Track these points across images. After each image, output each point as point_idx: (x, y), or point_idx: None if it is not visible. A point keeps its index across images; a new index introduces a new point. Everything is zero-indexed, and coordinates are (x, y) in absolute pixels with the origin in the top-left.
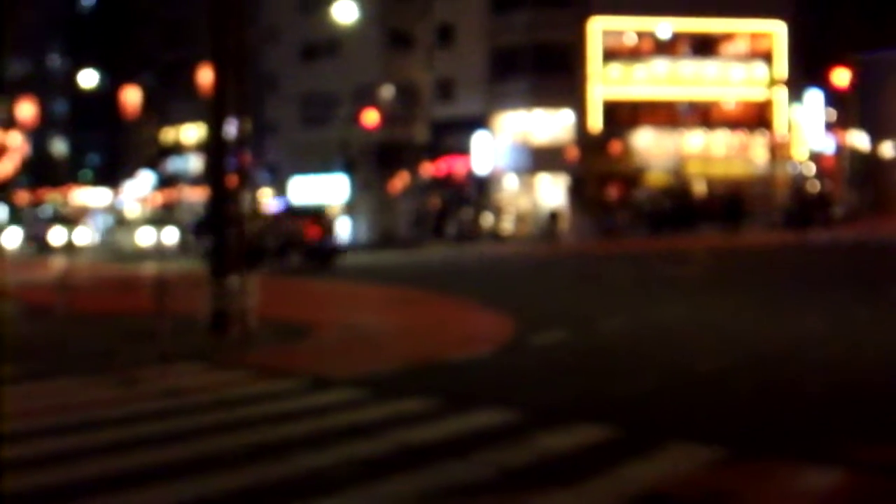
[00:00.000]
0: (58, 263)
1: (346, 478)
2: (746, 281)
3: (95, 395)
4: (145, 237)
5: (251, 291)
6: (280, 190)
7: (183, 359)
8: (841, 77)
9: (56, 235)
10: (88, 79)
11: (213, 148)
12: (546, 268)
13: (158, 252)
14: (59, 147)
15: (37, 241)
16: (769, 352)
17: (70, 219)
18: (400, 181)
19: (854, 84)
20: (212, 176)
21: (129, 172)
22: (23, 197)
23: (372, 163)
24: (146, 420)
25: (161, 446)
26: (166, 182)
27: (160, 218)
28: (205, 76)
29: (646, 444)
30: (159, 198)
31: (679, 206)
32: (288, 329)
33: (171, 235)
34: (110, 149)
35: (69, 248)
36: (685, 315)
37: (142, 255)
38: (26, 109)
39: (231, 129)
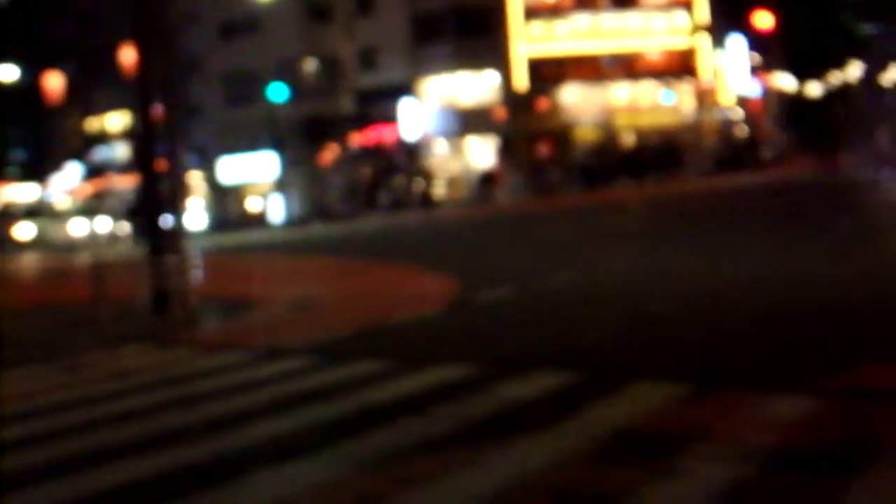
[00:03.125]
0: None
1: (309, 442)
2: (685, 227)
3: (40, 383)
4: (77, 228)
5: (189, 269)
6: (209, 171)
7: (126, 341)
8: (763, 19)
9: (23, 231)
10: (7, 72)
11: (142, 129)
12: (484, 229)
13: (92, 241)
14: None
15: None
16: (719, 291)
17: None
18: (329, 154)
19: (778, 25)
20: (142, 158)
21: (55, 165)
22: None
23: (300, 138)
24: (96, 403)
25: (114, 426)
26: (94, 172)
27: (90, 208)
28: (127, 56)
29: (609, 386)
30: (89, 188)
31: (610, 160)
32: (230, 305)
33: (103, 224)
34: (35, 143)
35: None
36: (630, 265)
37: (74, 246)
38: None
39: (157, 110)
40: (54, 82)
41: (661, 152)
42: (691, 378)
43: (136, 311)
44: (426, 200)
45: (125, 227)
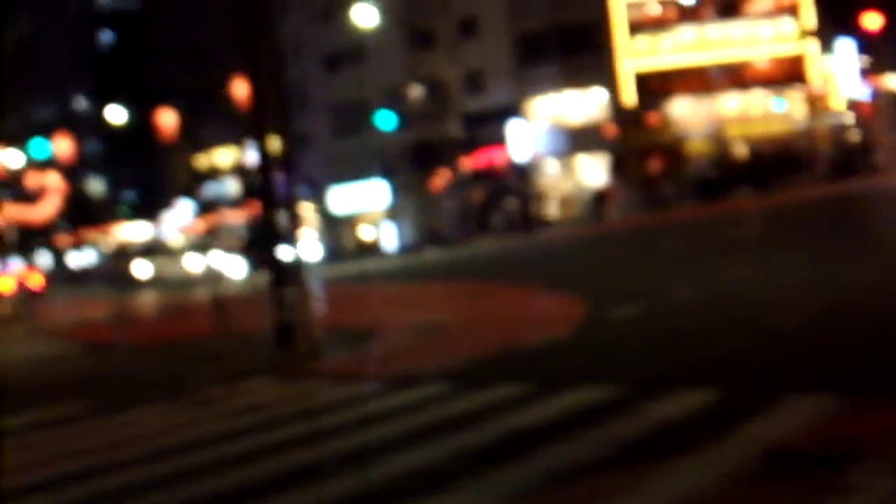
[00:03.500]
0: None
1: (456, 471)
2: (804, 236)
3: (172, 420)
4: (193, 264)
5: (312, 300)
6: (320, 202)
7: (251, 375)
8: (871, 20)
9: (140, 269)
10: (117, 115)
11: (259, 161)
12: (601, 246)
13: (208, 276)
14: (95, 186)
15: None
16: (848, 300)
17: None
18: (440, 179)
19: (887, 25)
20: (260, 190)
21: (166, 203)
22: (64, 240)
23: (409, 164)
24: (231, 439)
25: (254, 462)
26: (206, 208)
27: (205, 243)
28: (239, 89)
29: (757, 401)
30: (201, 224)
31: (727, 170)
32: (353, 334)
33: (218, 259)
34: (145, 182)
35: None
36: (753, 275)
37: (191, 282)
38: (62, 146)
39: (273, 143)
40: (167, 119)
41: (778, 160)
42: (840, 390)
43: (260, 345)
44: (540, 221)
45: (241, 261)
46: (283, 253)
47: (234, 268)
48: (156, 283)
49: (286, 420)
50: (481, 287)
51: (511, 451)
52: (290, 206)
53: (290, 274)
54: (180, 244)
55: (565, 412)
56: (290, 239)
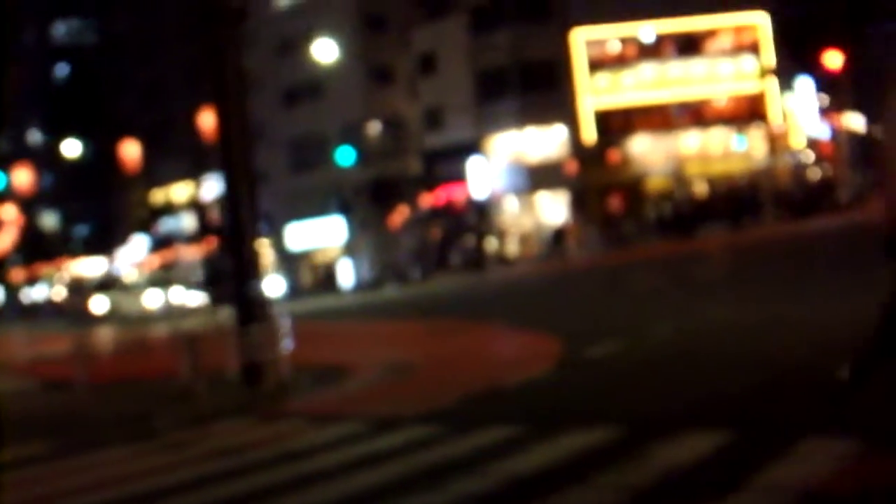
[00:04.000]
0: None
1: None
2: (770, 273)
3: (144, 463)
4: (151, 300)
5: (279, 337)
6: (277, 238)
7: (221, 416)
8: (832, 59)
9: (98, 304)
10: (72, 148)
11: (227, 194)
12: (566, 283)
13: (166, 312)
14: (48, 220)
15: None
16: (833, 338)
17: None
18: (399, 216)
19: (847, 65)
20: (228, 222)
21: (121, 238)
22: (17, 274)
23: (367, 201)
24: (206, 485)
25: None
26: (161, 243)
27: (163, 279)
28: (205, 121)
29: (772, 444)
30: (156, 260)
31: (684, 209)
32: (323, 372)
33: (177, 295)
34: (99, 216)
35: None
36: (728, 313)
37: (149, 317)
38: (22, 176)
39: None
40: (131, 150)
41: (738, 198)
42: (860, 432)
43: (227, 383)
44: (500, 258)
45: (201, 297)
46: (250, 288)
47: (195, 303)
48: (114, 318)
49: (264, 465)
50: (447, 325)
51: (518, 498)
52: (252, 240)
53: (256, 310)
54: (138, 279)
55: (567, 456)
56: (254, 274)
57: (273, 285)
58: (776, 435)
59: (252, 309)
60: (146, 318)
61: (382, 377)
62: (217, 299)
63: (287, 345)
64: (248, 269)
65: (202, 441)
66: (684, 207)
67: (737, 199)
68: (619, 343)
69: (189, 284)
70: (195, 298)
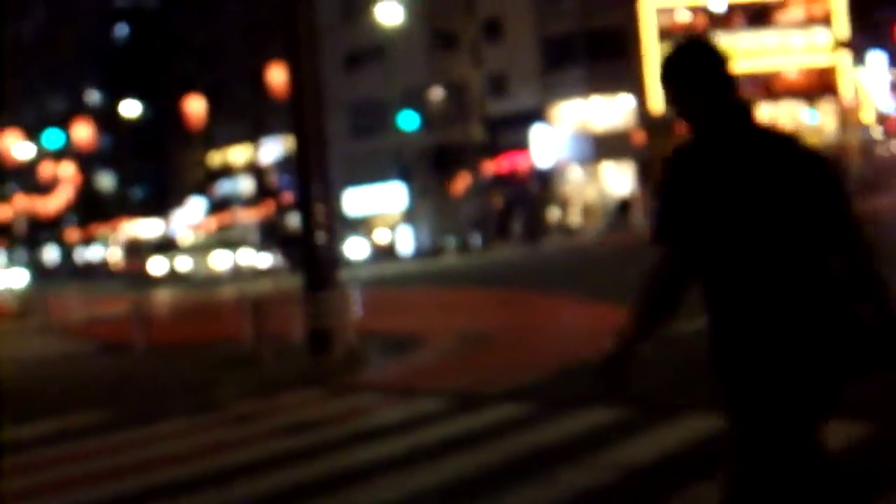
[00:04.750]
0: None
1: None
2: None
3: (209, 438)
4: (220, 261)
5: (349, 304)
6: (335, 203)
7: (288, 386)
8: None
9: (156, 265)
10: (131, 109)
11: (299, 154)
12: (633, 255)
13: (236, 274)
14: (105, 181)
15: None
16: None
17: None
18: (461, 183)
19: None
20: (299, 185)
21: (177, 200)
22: (73, 234)
23: (428, 167)
24: (284, 464)
25: (311, 498)
26: (218, 206)
27: (231, 240)
28: (276, 76)
29: None
30: (213, 223)
31: None
32: (393, 342)
33: (246, 256)
34: (157, 178)
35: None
36: None
37: (216, 280)
38: (82, 132)
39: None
40: (196, 107)
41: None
42: None
43: (292, 351)
44: (562, 229)
45: (271, 259)
46: (320, 252)
47: (264, 265)
48: (178, 280)
49: (341, 444)
50: (514, 295)
51: (640, 492)
52: (323, 204)
53: (325, 275)
54: (201, 240)
55: (684, 442)
56: (325, 239)
57: (351, 249)
58: None
59: (321, 274)
60: (213, 280)
61: (456, 348)
62: (294, 263)
63: (356, 312)
64: (318, 233)
65: (270, 414)
66: None
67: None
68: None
69: (258, 246)
70: (265, 260)
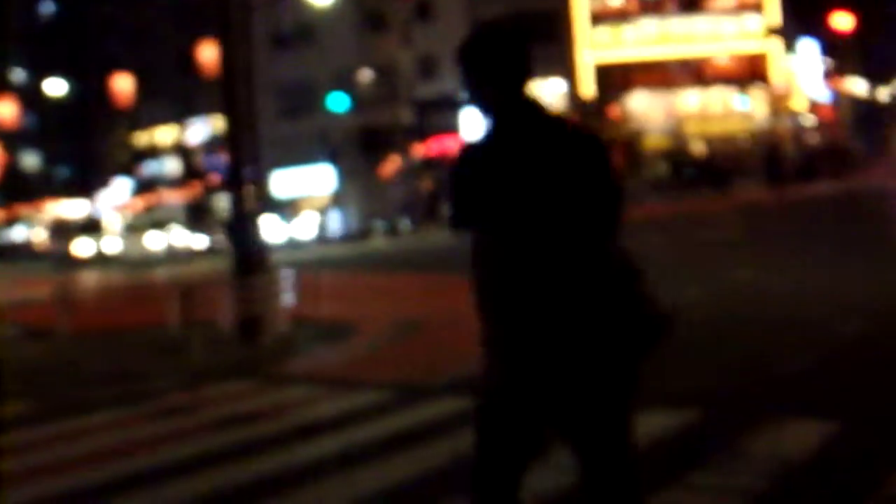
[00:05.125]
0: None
1: None
2: (786, 236)
3: (138, 432)
4: (153, 242)
5: (280, 290)
6: (262, 185)
7: (219, 375)
8: (841, 21)
9: (82, 247)
10: (56, 87)
11: (230, 133)
12: None
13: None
14: (30, 160)
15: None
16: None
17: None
18: (390, 166)
19: (857, 27)
20: (229, 165)
21: (103, 181)
22: None
23: (357, 150)
24: (222, 462)
25: (263, 495)
26: (144, 187)
27: (165, 220)
28: (206, 54)
29: None
30: (139, 204)
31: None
32: (326, 329)
33: (180, 237)
34: (82, 159)
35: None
36: (757, 276)
37: (150, 261)
38: (5, 110)
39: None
40: (124, 85)
41: (737, 160)
42: None
43: (222, 338)
44: None
45: (206, 240)
46: (249, 236)
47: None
48: (105, 261)
49: (279, 439)
50: (444, 280)
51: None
52: (252, 185)
53: (255, 259)
54: (134, 221)
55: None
56: (255, 222)
57: (273, 232)
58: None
59: (251, 258)
60: (146, 262)
61: (392, 336)
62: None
63: (289, 298)
64: (247, 216)
65: (202, 406)
66: (685, 166)
67: (734, 160)
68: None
69: (192, 227)
70: (200, 241)
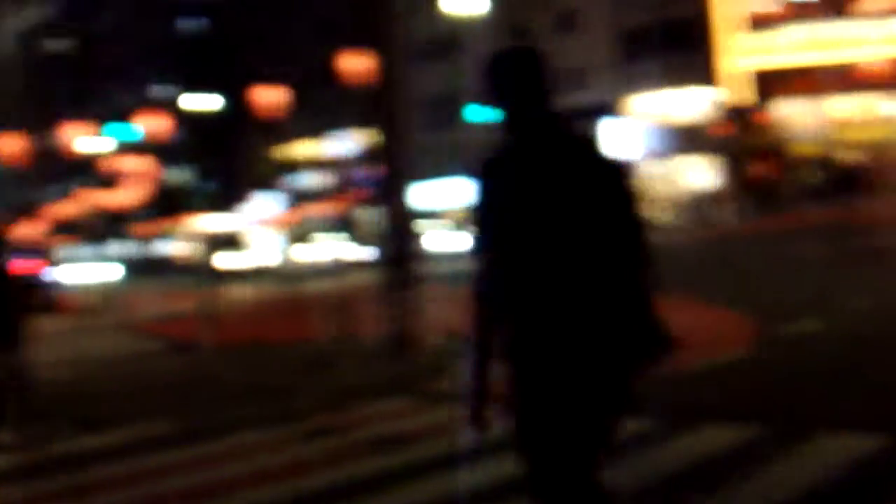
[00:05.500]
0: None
1: None
2: None
3: (287, 455)
4: (303, 254)
5: (434, 303)
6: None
7: (371, 393)
8: None
9: (227, 260)
10: (206, 102)
11: (386, 145)
12: (722, 252)
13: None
14: (176, 175)
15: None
16: None
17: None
18: None
19: None
20: (386, 176)
21: (248, 195)
22: (143, 229)
23: None
24: (376, 488)
25: None
26: (292, 200)
27: (316, 232)
28: (350, 63)
29: None
30: (287, 217)
31: (839, 176)
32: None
33: (328, 250)
34: (227, 173)
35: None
36: None
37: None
38: (155, 125)
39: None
40: (272, 98)
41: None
42: None
43: (371, 353)
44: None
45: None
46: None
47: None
48: (259, 275)
49: (443, 462)
50: None
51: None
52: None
53: (409, 273)
54: (282, 234)
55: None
56: (408, 233)
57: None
58: None
59: (403, 271)
60: (296, 275)
61: None
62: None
63: (440, 312)
64: (400, 228)
65: (354, 426)
66: (838, 174)
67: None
68: (818, 320)
69: (357, 239)
70: (363, 253)
